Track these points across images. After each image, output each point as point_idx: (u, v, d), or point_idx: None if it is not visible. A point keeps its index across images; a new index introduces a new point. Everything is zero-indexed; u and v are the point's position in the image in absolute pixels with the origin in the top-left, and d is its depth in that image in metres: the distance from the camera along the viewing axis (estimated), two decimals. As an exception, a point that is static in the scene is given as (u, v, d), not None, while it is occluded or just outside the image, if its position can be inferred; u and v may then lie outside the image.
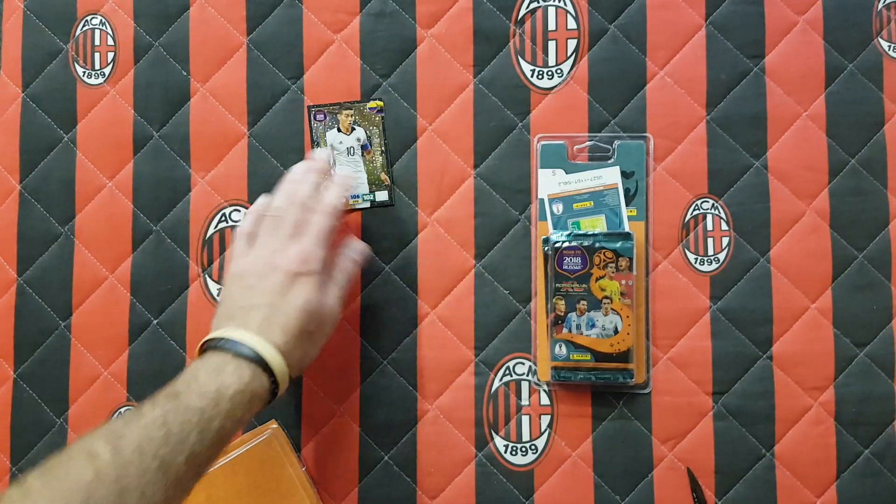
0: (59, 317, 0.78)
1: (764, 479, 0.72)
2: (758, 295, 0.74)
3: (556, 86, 0.77)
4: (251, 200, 0.78)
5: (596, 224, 0.70)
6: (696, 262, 0.75)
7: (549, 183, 0.71)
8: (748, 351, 0.74)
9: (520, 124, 0.77)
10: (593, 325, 0.69)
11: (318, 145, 0.74)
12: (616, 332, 0.69)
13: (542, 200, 0.72)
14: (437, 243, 0.76)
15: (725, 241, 0.75)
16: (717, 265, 0.75)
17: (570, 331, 0.70)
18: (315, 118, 0.75)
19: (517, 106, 0.77)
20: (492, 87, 0.77)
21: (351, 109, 0.76)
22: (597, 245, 0.69)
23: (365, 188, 0.76)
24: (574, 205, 0.71)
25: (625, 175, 0.72)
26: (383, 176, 0.76)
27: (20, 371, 0.78)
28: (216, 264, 0.77)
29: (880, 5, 0.76)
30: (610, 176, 0.71)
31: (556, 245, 0.69)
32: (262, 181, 0.78)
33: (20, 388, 0.77)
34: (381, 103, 0.76)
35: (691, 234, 0.75)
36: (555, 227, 0.71)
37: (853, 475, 0.72)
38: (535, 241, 0.74)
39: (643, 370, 0.72)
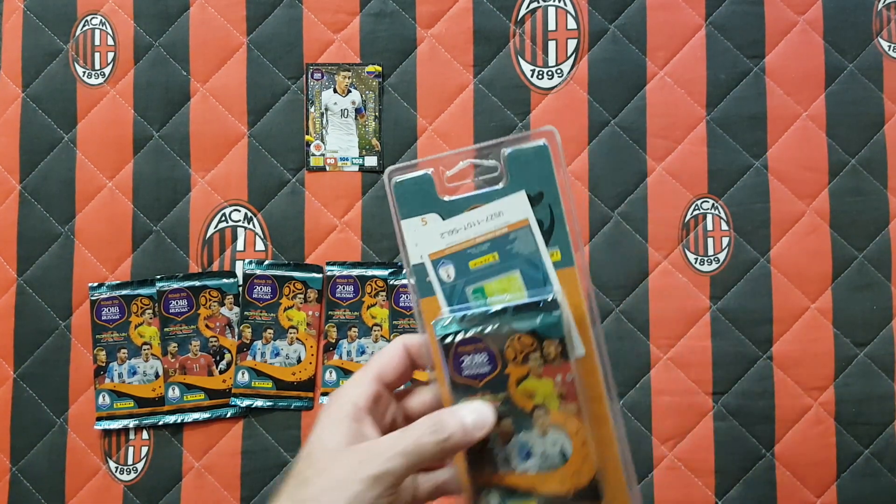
0: (59, 317, 0.78)
1: (764, 479, 0.72)
2: (758, 295, 0.74)
3: (556, 86, 0.77)
4: (251, 200, 0.78)
5: (509, 287, 0.43)
6: (696, 262, 0.75)
7: (423, 237, 0.43)
8: (748, 351, 0.74)
9: (520, 124, 0.77)
10: (529, 455, 0.42)
11: (312, 104, 0.73)
12: (565, 460, 0.41)
13: (419, 268, 0.43)
14: (437, 243, 0.76)
15: (725, 241, 0.75)
16: (717, 265, 0.75)
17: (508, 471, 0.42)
18: (312, 76, 0.75)
19: (517, 106, 0.77)
20: (492, 87, 0.77)
21: (349, 71, 0.76)
22: (505, 329, 0.41)
23: (355, 152, 0.75)
24: (470, 263, 0.43)
25: (532, 200, 0.43)
26: (374, 141, 0.76)
27: (20, 371, 0.78)
28: (216, 264, 0.77)
29: (880, 5, 0.76)
30: (513, 208, 0.42)
31: (447, 341, 0.42)
32: (261, 181, 0.78)
33: (20, 388, 0.77)
34: (379, 68, 0.76)
35: (691, 234, 0.75)
36: (450, 303, 0.43)
37: (853, 475, 0.72)
38: (426, 331, 0.43)
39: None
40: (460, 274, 0.43)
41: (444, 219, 0.43)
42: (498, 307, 0.42)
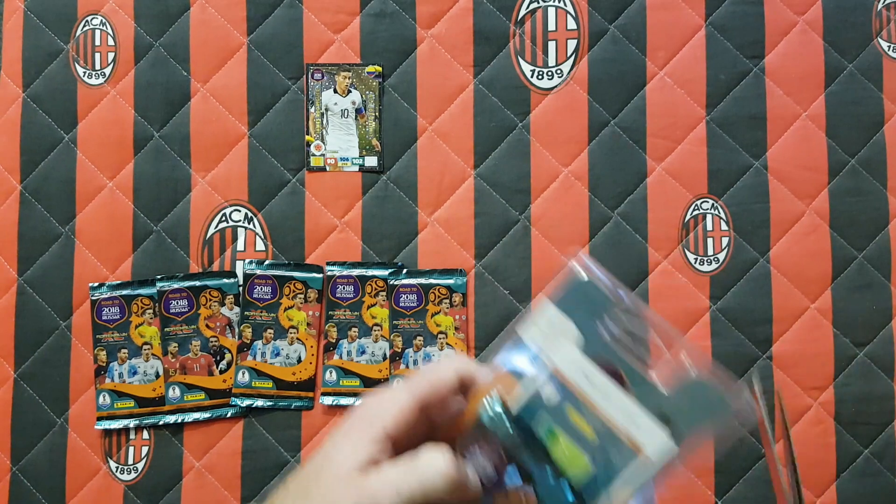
0: (59, 317, 0.78)
1: (764, 478, 0.72)
2: (757, 295, 0.74)
3: (556, 86, 0.77)
4: (251, 201, 0.78)
5: (575, 463, 0.37)
6: (695, 262, 0.75)
7: (558, 346, 0.39)
8: (748, 351, 0.74)
9: (520, 124, 0.77)
10: None
11: (312, 104, 0.73)
12: None
13: (534, 358, 0.39)
14: (437, 243, 0.76)
15: (725, 241, 0.75)
16: (717, 265, 0.75)
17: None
18: (313, 77, 0.75)
19: (517, 106, 0.77)
20: (492, 87, 0.77)
21: (349, 71, 0.76)
22: (516, 482, 0.38)
23: (355, 152, 0.76)
24: (569, 410, 0.37)
25: (676, 438, 0.35)
26: (374, 142, 0.76)
27: (21, 371, 0.78)
28: (216, 264, 0.77)
29: (880, 5, 0.76)
30: (649, 438, 0.35)
31: (481, 424, 0.38)
32: (262, 181, 0.78)
33: (20, 388, 0.78)
34: (379, 68, 0.76)
35: (691, 234, 0.75)
36: (526, 412, 0.38)
37: (853, 475, 0.72)
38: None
39: None
40: (555, 407, 0.38)
41: (584, 352, 0.38)
42: (539, 468, 0.37)
